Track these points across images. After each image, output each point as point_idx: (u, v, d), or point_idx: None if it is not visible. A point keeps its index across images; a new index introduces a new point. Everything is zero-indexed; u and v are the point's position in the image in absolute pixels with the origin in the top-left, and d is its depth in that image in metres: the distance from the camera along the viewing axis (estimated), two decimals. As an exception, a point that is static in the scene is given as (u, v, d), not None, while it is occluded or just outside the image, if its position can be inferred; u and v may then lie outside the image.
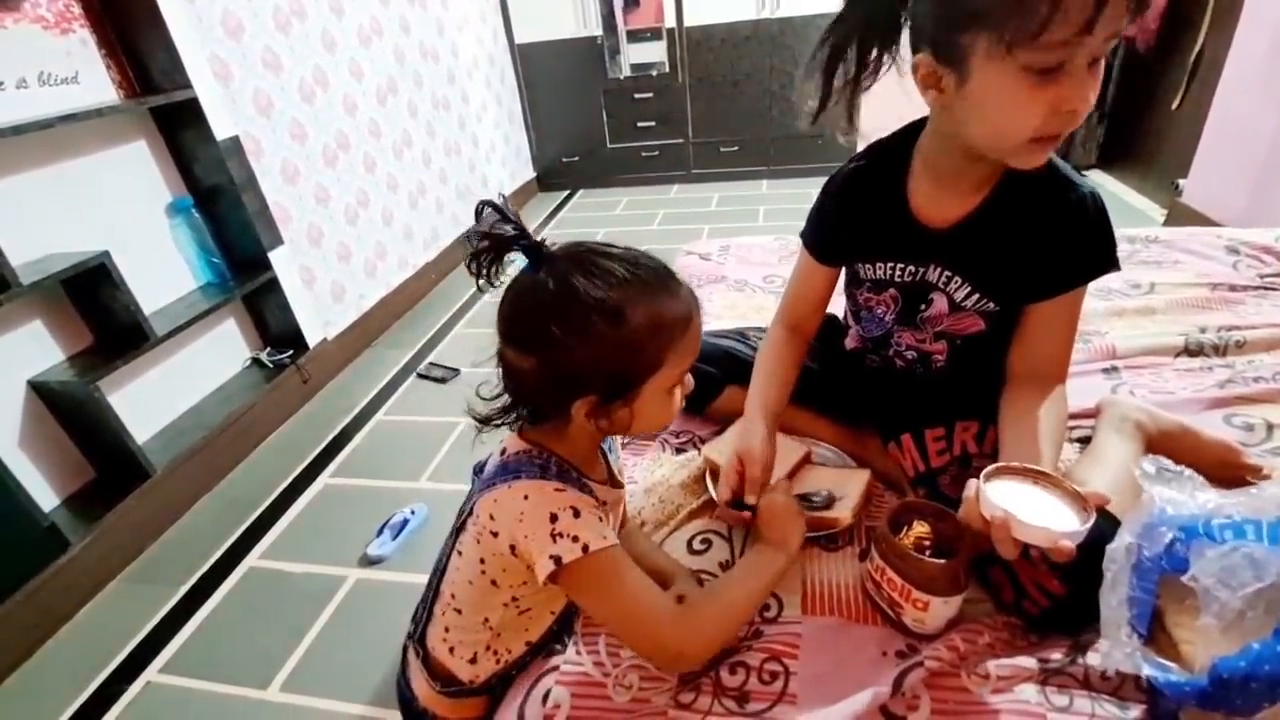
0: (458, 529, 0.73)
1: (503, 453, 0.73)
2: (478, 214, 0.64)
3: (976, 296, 0.87)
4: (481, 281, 0.65)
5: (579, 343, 0.62)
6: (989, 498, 0.64)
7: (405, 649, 0.81)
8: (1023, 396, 0.83)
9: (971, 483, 0.68)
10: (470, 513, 0.70)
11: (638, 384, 0.66)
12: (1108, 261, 0.80)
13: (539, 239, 0.65)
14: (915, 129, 0.86)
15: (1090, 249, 0.80)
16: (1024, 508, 0.63)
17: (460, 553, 0.71)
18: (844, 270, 1.01)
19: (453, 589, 0.73)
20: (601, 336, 0.62)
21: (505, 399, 0.71)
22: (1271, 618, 0.47)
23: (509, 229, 0.63)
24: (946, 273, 0.87)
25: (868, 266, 0.94)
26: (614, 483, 0.79)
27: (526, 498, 0.65)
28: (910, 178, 0.87)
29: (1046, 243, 0.79)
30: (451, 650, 0.74)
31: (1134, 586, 0.53)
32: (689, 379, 0.72)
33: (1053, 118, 0.66)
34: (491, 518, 0.66)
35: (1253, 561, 0.48)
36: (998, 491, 0.66)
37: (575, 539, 0.63)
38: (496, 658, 0.75)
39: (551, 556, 0.62)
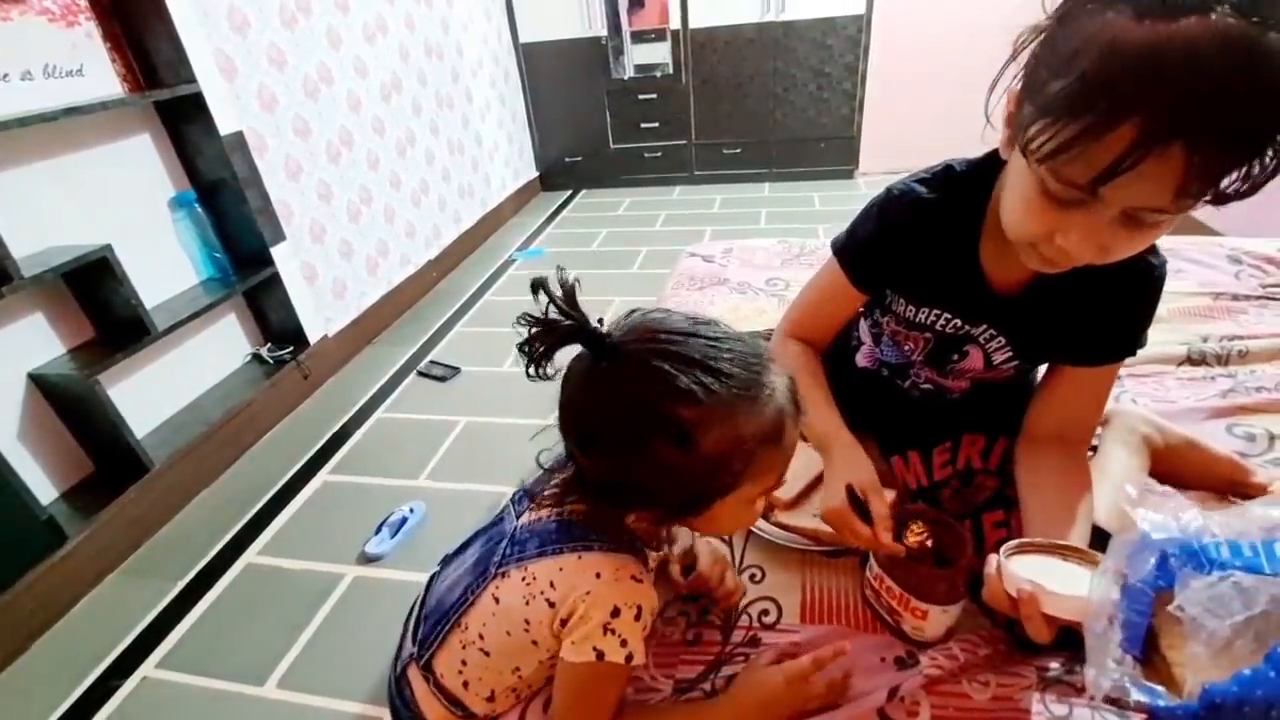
0: (495, 571, 0.65)
1: (560, 501, 0.66)
2: (534, 291, 0.56)
3: (1015, 362, 0.84)
4: (533, 371, 0.57)
5: (641, 462, 0.55)
6: (1013, 571, 0.60)
7: (404, 669, 0.74)
8: (1045, 460, 0.78)
9: (992, 559, 0.63)
10: (519, 562, 0.64)
11: (708, 504, 0.59)
12: (1142, 340, 0.77)
13: (605, 332, 0.56)
14: (994, 161, 0.72)
15: (1142, 323, 0.77)
16: (1052, 581, 0.58)
17: (498, 599, 0.65)
18: None
19: (482, 630, 0.67)
20: (669, 461, 0.54)
21: (565, 469, 0.65)
22: (1261, 645, 0.47)
23: (567, 321, 0.55)
24: (992, 331, 0.82)
25: (909, 307, 0.86)
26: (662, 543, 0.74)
27: (599, 576, 0.60)
28: (985, 226, 0.76)
29: (1108, 311, 0.75)
30: (466, 684, 0.69)
31: (1124, 609, 0.53)
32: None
33: (1048, 241, 0.60)
34: (552, 585, 0.61)
35: (1241, 591, 0.47)
36: (1021, 566, 0.61)
37: (624, 643, 0.59)
38: (516, 695, 0.72)
39: (595, 649, 0.59)
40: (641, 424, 0.54)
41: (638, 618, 0.60)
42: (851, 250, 0.86)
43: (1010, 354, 0.83)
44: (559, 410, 0.60)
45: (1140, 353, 1.20)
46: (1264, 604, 0.47)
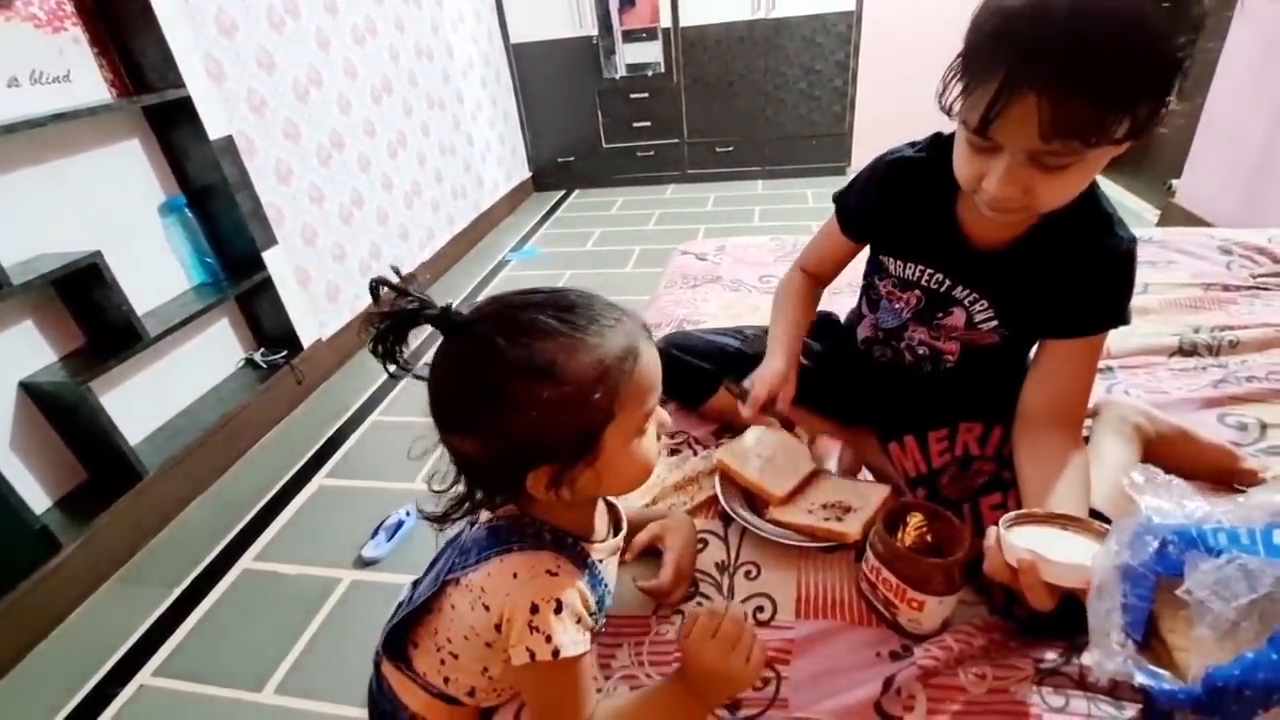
0: (445, 579, 0.67)
1: (492, 509, 0.68)
2: (374, 294, 0.58)
3: (995, 323, 0.87)
4: (392, 367, 0.59)
5: (514, 411, 0.56)
6: (1011, 542, 0.61)
7: (379, 664, 0.76)
8: (1041, 440, 0.80)
9: (991, 530, 0.65)
10: (462, 570, 0.66)
11: (594, 440, 0.59)
12: (1122, 314, 0.79)
13: (445, 305, 0.59)
14: None
15: (1119, 297, 0.79)
16: (1052, 550, 0.59)
17: (454, 606, 0.67)
18: (870, 257, 1.00)
19: (449, 635, 0.69)
20: (537, 399, 0.55)
21: (460, 487, 0.65)
22: (1265, 627, 0.47)
23: (409, 302, 0.57)
24: (974, 294, 0.86)
25: (897, 263, 0.93)
26: (617, 528, 0.75)
27: (516, 576, 0.61)
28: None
29: (1079, 283, 0.78)
30: (446, 680, 0.71)
31: (1127, 594, 0.53)
32: (663, 416, 0.65)
33: (978, 185, 0.69)
34: (484, 590, 0.63)
35: (1246, 573, 0.48)
36: (1020, 537, 0.62)
37: (549, 639, 0.59)
38: (497, 692, 0.73)
39: (527, 649, 0.59)
40: (508, 373, 0.56)
41: (558, 611, 0.59)
42: (846, 198, 0.99)
43: (991, 314, 0.87)
44: (433, 407, 0.61)
45: (1132, 344, 1.23)
46: (1268, 586, 0.48)
